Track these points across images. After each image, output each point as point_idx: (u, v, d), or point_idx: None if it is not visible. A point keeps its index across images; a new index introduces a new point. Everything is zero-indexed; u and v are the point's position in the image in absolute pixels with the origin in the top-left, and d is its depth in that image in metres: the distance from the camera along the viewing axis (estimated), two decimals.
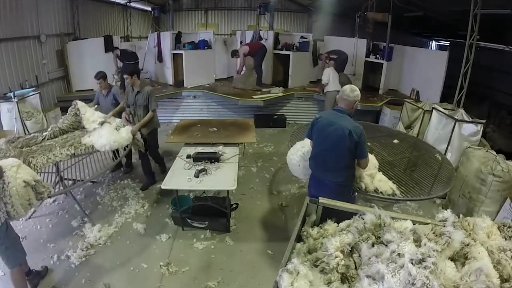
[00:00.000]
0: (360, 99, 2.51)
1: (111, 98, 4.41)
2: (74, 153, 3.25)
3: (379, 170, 2.82)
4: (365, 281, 1.32)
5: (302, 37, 7.98)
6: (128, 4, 9.42)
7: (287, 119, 7.13)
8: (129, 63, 6.79)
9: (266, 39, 7.79)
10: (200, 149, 3.81)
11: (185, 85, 7.17)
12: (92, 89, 6.98)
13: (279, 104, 7.25)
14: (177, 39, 7.30)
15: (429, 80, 6.47)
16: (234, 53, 7.26)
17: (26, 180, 2.41)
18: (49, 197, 2.73)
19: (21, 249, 2.45)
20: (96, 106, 4.35)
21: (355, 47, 7.51)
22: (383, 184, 2.66)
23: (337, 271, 1.43)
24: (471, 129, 4.05)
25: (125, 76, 4.15)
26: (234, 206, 3.70)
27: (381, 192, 2.62)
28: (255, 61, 7.05)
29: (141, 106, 4.01)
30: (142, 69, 7.65)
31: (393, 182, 2.76)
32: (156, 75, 7.94)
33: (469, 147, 3.90)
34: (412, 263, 1.29)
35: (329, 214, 1.83)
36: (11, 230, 2.33)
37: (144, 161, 4.29)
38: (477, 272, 1.32)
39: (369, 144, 3.84)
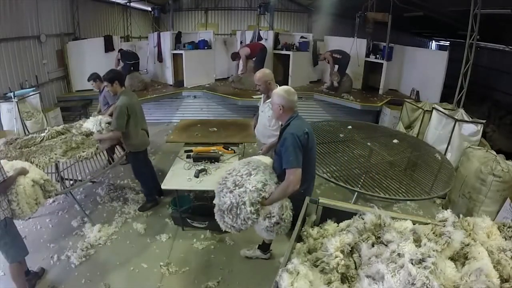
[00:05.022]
0: None
1: (102, 97, 4.40)
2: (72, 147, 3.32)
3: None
4: (365, 281, 1.32)
5: (302, 37, 7.97)
6: (128, 4, 9.40)
7: None
8: (129, 63, 6.78)
9: (266, 39, 7.78)
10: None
11: (185, 85, 7.16)
12: (92, 89, 6.98)
13: None
14: (177, 39, 7.29)
15: (429, 80, 6.46)
16: (235, 56, 7.14)
17: (35, 179, 2.45)
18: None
19: (22, 246, 2.45)
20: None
21: (354, 46, 7.47)
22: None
23: (337, 271, 1.43)
24: (471, 129, 4.05)
25: (105, 83, 3.50)
26: None
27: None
28: (254, 63, 7.03)
29: None
30: (145, 70, 7.65)
31: (393, 182, 2.77)
32: (156, 75, 7.94)
33: (469, 147, 3.91)
34: (412, 263, 1.29)
35: (329, 214, 1.83)
36: (11, 227, 2.32)
37: (140, 179, 3.83)
38: (477, 272, 1.32)
39: (369, 144, 3.88)
